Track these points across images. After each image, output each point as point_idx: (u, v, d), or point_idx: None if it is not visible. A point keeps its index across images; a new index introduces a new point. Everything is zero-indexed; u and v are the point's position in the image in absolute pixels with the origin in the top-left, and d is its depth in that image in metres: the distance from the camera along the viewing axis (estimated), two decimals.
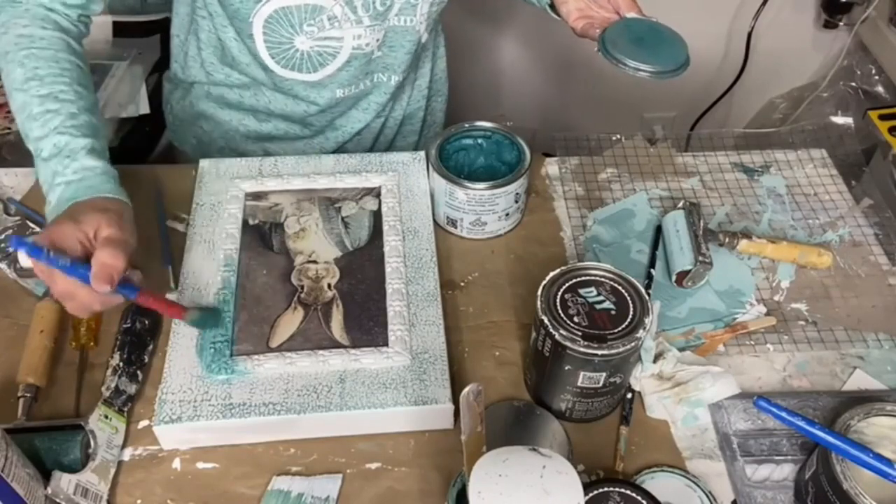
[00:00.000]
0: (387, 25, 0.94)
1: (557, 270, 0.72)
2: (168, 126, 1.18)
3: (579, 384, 0.70)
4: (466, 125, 0.94)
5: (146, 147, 1.23)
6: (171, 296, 0.84)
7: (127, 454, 0.73)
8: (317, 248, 0.85)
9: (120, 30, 1.42)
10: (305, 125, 1.06)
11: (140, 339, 0.79)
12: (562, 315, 0.69)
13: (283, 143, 1.08)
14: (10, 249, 0.87)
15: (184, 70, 1.06)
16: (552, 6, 0.91)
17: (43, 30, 0.79)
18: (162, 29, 1.39)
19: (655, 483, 0.70)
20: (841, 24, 1.73)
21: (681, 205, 0.91)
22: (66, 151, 0.74)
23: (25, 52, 0.77)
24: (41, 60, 0.77)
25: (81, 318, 0.80)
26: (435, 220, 0.91)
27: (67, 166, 0.73)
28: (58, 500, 0.65)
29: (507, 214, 0.91)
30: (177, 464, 0.72)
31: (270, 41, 0.93)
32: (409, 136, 1.18)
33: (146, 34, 1.39)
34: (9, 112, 1.29)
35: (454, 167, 0.92)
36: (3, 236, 0.90)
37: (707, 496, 0.69)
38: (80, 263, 0.67)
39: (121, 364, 0.76)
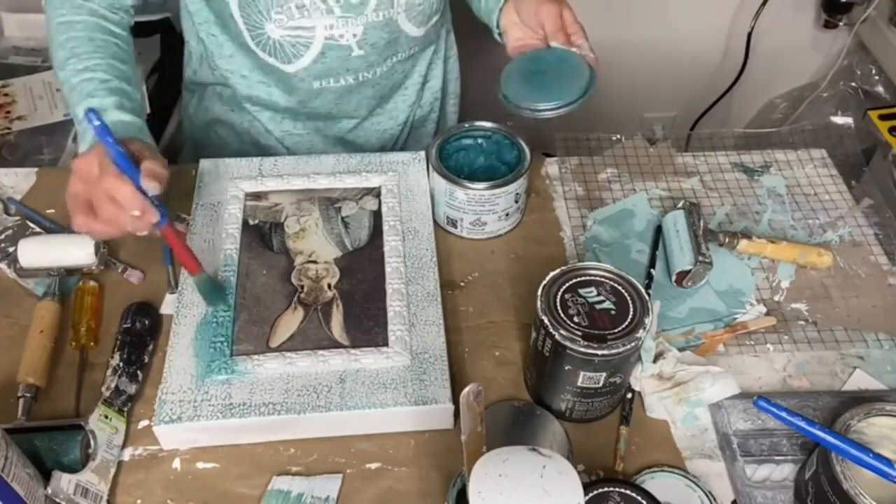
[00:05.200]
0: (365, 21, 0.92)
1: (557, 270, 0.72)
2: (185, 136, 1.19)
3: (579, 384, 0.70)
4: (466, 125, 0.94)
5: None
6: (170, 297, 0.84)
7: (127, 454, 0.73)
8: (317, 248, 0.85)
9: None
10: (305, 116, 1.06)
11: (140, 339, 0.79)
12: (562, 315, 0.69)
13: (295, 138, 1.08)
14: (11, 249, 0.87)
15: (196, 73, 1.08)
16: (500, 34, 0.91)
17: (78, 15, 0.86)
18: (162, 29, 1.40)
19: (655, 483, 0.70)
20: (841, 24, 1.73)
21: (681, 205, 0.91)
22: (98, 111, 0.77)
23: (65, 36, 0.84)
24: (78, 41, 0.84)
25: (81, 318, 0.80)
26: (435, 220, 0.91)
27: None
28: (58, 500, 0.65)
29: (507, 214, 0.91)
30: (177, 464, 0.72)
31: (248, 23, 0.92)
32: (423, 139, 1.17)
33: (146, 34, 1.40)
34: (8, 112, 1.29)
35: (454, 167, 0.92)
36: (2, 236, 0.91)
37: (707, 496, 0.69)
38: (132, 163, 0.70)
39: (121, 364, 0.76)
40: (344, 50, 0.94)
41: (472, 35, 1.23)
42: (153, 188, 0.70)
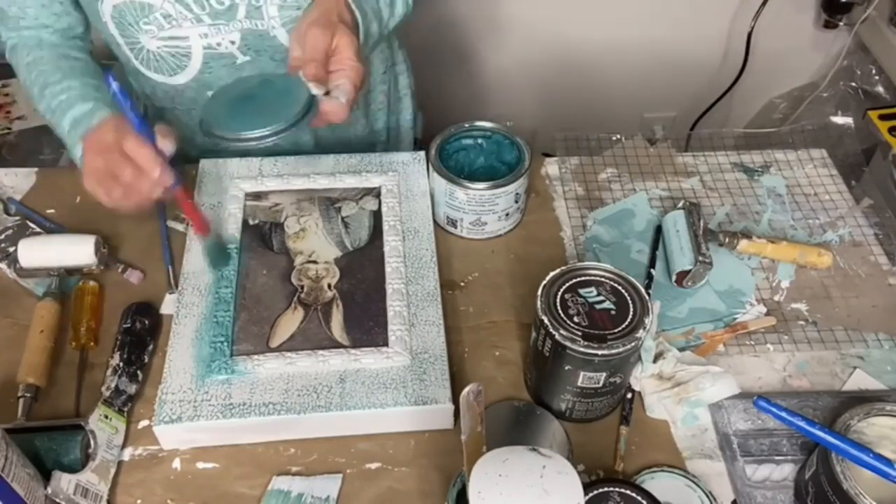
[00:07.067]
0: (241, 27, 0.89)
1: (557, 270, 0.72)
2: None
3: (579, 384, 0.70)
4: (466, 125, 0.94)
5: None
6: (170, 297, 0.84)
7: (127, 454, 0.73)
8: (317, 248, 0.85)
9: None
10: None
11: (140, 339, 0.79)
12: (562, 315, 0.69)
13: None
14: (11, 249, 0.87)
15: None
16: None
17: (40, 51, 0.90)
18: None
19: (655, 483, 0.70)
20: (841, 24, 1.74)
21: (681, 205, 0.91)
22: (83, 118, 0.82)
23: (34, 73, 0.89)
24: (46, 73, 0.88)
25: (81, 318, 0.80)
26: (435, 220, 0.91)
27: (90, 123, 0.81)
28: (58, 500, 0.65)
29: (507, 214, 0.91)
30: (177, 464, 0.72)
31: (126, 37, 0.90)
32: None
33: None
34: (8, 112, 1.30)
35: (454, 167, 0.92)
36: (2, 236, 0.91)
37: (707, 496, 0.69)
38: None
39: (121, 364, 0.76)
40: (227, 58, 0.92)
41: (463, 32, 1.22)
42: (170, 147, 0.72)
